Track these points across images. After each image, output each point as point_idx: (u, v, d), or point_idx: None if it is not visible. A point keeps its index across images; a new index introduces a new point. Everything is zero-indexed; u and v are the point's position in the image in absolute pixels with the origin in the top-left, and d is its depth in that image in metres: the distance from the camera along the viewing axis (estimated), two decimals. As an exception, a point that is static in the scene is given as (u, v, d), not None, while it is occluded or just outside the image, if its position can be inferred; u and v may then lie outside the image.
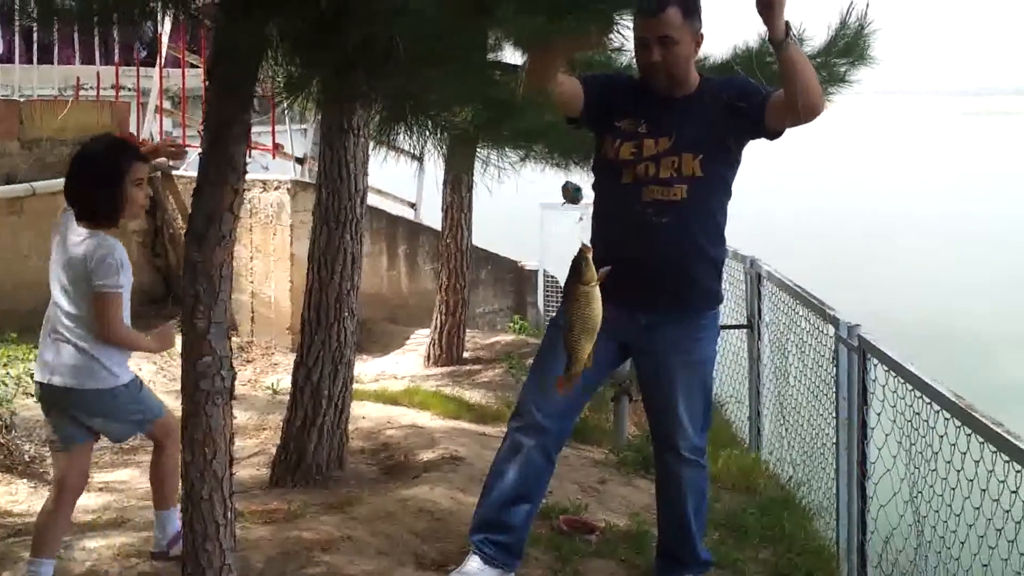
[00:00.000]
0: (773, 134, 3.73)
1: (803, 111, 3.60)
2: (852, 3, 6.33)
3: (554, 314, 4.05)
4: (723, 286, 4.02)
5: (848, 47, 6.55)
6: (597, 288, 3.43)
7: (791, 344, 6.04)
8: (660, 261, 3.72)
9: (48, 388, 3.78)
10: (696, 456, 3.91)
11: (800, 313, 5.76)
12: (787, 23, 3.50)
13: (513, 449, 3.81)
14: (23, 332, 6.82)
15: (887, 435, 4.55)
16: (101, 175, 3.72)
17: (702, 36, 3.74)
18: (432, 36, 2.54)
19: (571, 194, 3.74)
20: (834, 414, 4.98)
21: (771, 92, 3.69)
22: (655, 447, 4.06)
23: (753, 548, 4.51)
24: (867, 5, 6.33)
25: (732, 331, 7.11)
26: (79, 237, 3.70)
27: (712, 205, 3.77)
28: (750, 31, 6.32)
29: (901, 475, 4.44)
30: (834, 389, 4.97)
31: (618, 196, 3.80)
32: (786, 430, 6.09)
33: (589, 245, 3.48)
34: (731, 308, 7.17)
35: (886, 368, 4.45)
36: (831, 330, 5.05)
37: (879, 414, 4.60)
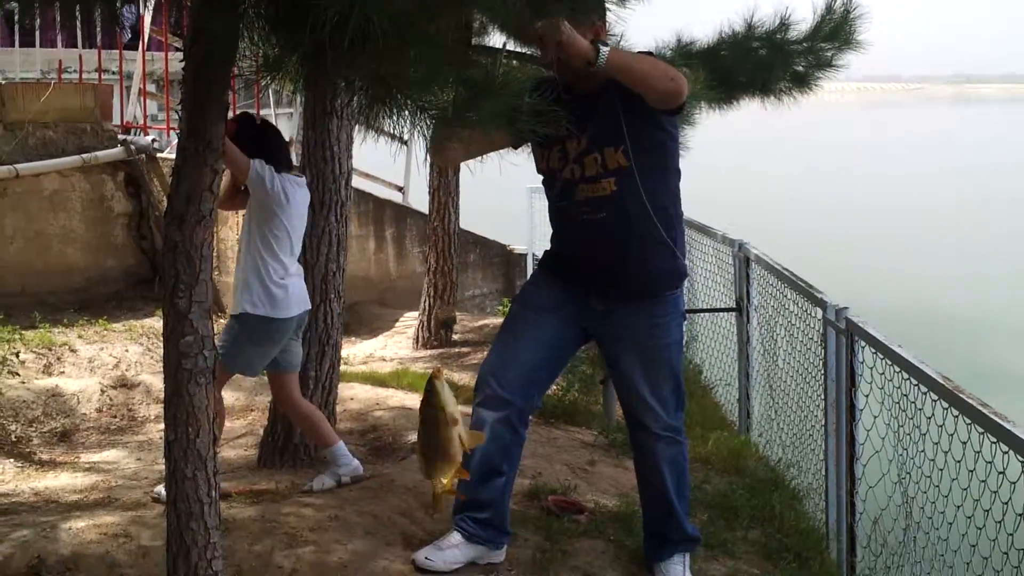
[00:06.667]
0: (666, 112, 3.69)
1: (658, 104, 3.61)
2: None
3: (518, 291, 4.10)
4: (687, 262, 4.03)
5: (834, 32, 6.52)
6: (449, 414, 3.29)
7: (780, 327, 6.03)
8: (606, 256, 3.75)
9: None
10: (671, 433, 3.91)
11: (788, 296, 5.75)
12: (592, 41, 3.44)
13: (477, 424, 3.81)
14: (8, 314, 6.80)
15: (875, 417, 4.54)
16: None
17: (599, 26, 3.62)
18: (408, 17, 2.51)
19: None
20: (823, 396, 4.97)
21: None
22: (628, 427, 4.07)
23: (742, 529, 4.51)
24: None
25: (721, 314, 7.12)
26: None
27: (651, 189, 3.71)
28: (735, 15, 6.31)
29: (889, 456, 4.44)
30: (822, 371, 4.96)
31: (556, 199, 3.85)
32: (775, 412, 6.08)
33: (440, 368, 3.45)
34: (720, 291, 7.17)
35: (874, 350, 4.45)
36: (819, 313, 5.04)
37: (867, 396, 4.59)
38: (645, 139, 3.70)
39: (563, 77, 3.67)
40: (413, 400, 5.86)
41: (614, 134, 3.67)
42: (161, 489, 4.29)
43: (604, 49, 3.45)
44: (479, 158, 3.90)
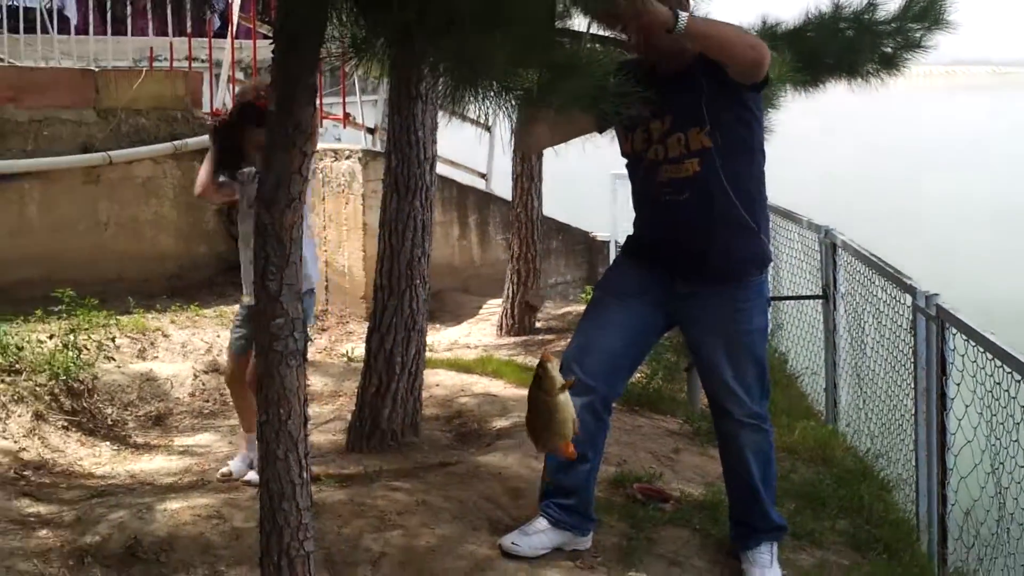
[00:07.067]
0: (750, 87, 3.67)
1: (740, 75, 3.58)
2: None
3: (600, 277, 4.11)
4: (771, 248, 4.02)
5: (924, 11, 6.40)
6: (562, 396, 3.38)
7: (868, 314, 5.94)
8: (689, 238, 3.72)
9: None
10: (755, 421, 3.88)
11: (876, 283, 5.67)
12: (671, 10, 3.42)
13: None
14: (103, 299, 6.96)
15: (967, 406, 4.47)
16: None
17: (684, 4, 3.60)
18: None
19: None
20: (912, 385, 4.90)
21: None
22: (713, 414, 4.05)
23: (831, 519, 4.46)
24: (944, -34, 6.18)
25: (807, 302, 7.04)
26: None
27: (734, 171, 3.69)
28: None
29: (982, 446, 4.37)
30: (912, 360, 4.89)
31: (640, 182, 3.86)
32: (863, 402, 6.00)
33: (551, 355, 3.47)
34: (806, 278, 7.08)
35: (965, 338, 4.37)
36: (908, 299, 4.97)
37: (959, 385, 4.52)
38: (729, 119, 3.68)
39: (648, 56, 3.66)
40: (498, 387, 5.90)
41: (698, 114, 3.65)
42: (230, 466, 4.52)
43: (683, 15, 3.44)
44: (563, 144, 3.91)
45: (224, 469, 4.60)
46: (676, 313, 3.90)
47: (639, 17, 3.41)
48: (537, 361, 3.49)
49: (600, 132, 3.88)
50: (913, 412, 4.88)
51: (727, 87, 3.61)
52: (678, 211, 3.72)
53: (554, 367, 3.40)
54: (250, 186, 4.54)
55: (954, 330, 4.46)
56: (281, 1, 2.98)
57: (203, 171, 4.60)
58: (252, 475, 4.31)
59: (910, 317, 4.92)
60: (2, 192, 8.15)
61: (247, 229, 4.57)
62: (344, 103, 9.56)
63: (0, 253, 8.04)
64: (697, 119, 3.65)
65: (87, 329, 6.08)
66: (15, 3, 10.70)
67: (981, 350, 4.23)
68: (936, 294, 4.65)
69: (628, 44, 3.74)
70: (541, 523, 3.86)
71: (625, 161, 3.92)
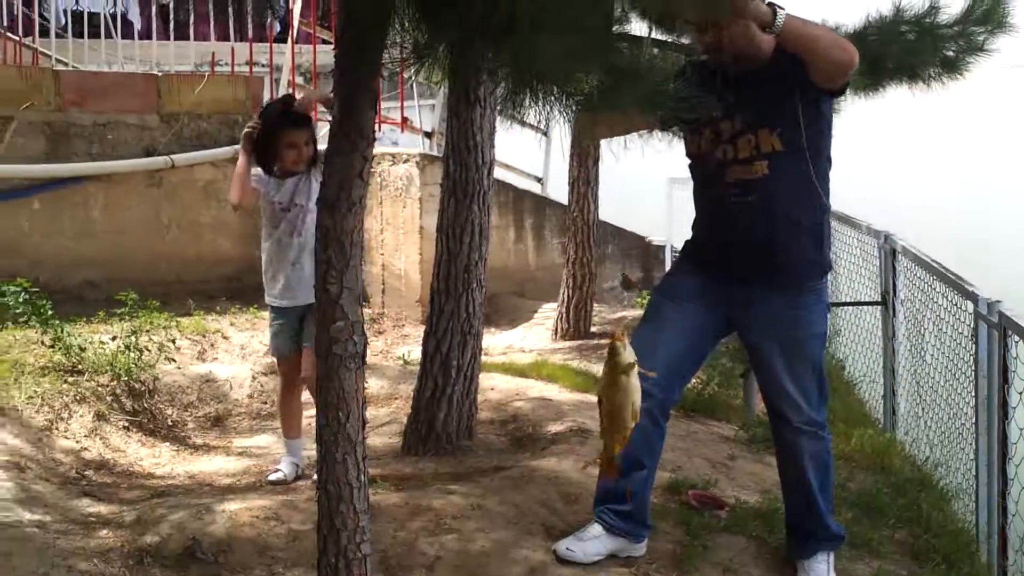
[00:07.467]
0: (830, 92, 3.65)
1: (827, 78, 3.55)
2: None
3: (658, 282, 4.08)
4: (831, 255, 3.98)
5: (987, 14, 6.33)
6: (627, 377, 3.34)
7: (928, 321, 5.87)
8: (752, 240, 3.70)
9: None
10: (813, 428, 3.85)
11: (937, 289, 5.60)
12: (770, 4, 3.42)
13: None
14: (164, 301, 7.05)
15: (1030, 415, 4.41)
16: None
17: (769, 6, 3.56)
18: (554, 3, 2.54)
19: None
20: (973, 394, 4.83)
21: None
22: (770, 420, 4.02)
23: (888, 529, 4.41)
24: (1007, -31, 6.10)
25: (865, 308, 6.97)
26: None
27: (802, 175, 3.67)
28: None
29: (1045, 457, 4.31)
30: (973, 368, 4.82)
31: (705, 182, 3.83)
32: (922, 410, 5.93)
33: (622, 333, 3.42)
34: (864, 284, 7.01)
35: (1029, 346, 4.32)
36: (970, 306, 4.90)
37: (1021, 393, 4.45)
38: (802, 123, 3.65)
39: (721, 56, 3.64)
40: (552, 391, 5.90)
41: (770, 116, 3.63)
42: (283, 470, 4.61)
43: (782, 12, 3.43)
44: (624, 140, 3.89)
45: (275, 476, 4.63)
46: (734, 317, 3.88)
47: (736, 9, 3.38)
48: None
49: (664, 130, 3.85)
50: (974, 421, 4.81)
51: (804, 90, 3.59)
52: (743, 213, 3.70)
53: (623, 346, 3.36)
54: (275, 190, 4.59)
55: (1017, 338, 4.40)
56: (343, 7, 3.01)
57: (238, 179, 4.62)
58: (277, 473, 4.41)
59: (971, 324, 4.86)
60: (67, 195, 8.31)
61: (276, 233, 4.60)
62: (402, 107, 9.62)
63: (64, 255, 8.21)
64: (770, 121, 3.64)
65: (148, 331, 6.16)
66: (80, 8, 10.91)
67: (1045, 359, 4.18)
68: (999, 301, 4.59)
69: (693, 46, 3.72)
70: (596, 529, 3.86)
71: (688, 162, 3.90)
